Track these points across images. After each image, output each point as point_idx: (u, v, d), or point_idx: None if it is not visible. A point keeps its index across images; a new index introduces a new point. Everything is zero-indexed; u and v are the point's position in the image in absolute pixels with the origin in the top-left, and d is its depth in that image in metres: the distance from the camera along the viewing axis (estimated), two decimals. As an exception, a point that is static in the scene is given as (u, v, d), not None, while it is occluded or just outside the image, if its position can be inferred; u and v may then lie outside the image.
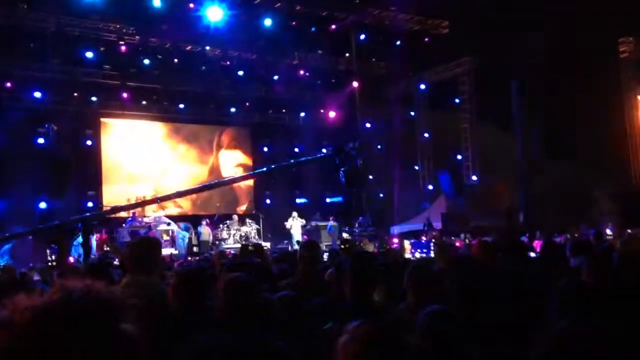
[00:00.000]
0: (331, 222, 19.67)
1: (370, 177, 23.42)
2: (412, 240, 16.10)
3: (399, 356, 1.53)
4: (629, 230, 12.24)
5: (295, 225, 19.39)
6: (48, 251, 14.42)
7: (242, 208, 23.08)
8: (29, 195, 18.11)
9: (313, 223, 19.85)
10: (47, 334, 0.88)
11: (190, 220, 19.82)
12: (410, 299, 3.69)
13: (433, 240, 14.69)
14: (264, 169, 7.09)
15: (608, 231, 14.63)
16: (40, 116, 18.87)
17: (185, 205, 22.21)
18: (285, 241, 19.20)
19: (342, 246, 13.27)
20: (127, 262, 3.48)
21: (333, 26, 18.98)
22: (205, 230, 18.64)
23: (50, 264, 13.20)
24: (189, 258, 14.68)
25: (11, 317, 0.91)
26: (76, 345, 0.88)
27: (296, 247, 17.68)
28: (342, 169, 5.58)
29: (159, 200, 7.51)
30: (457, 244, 13.77)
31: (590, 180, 18.71)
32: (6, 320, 0.91)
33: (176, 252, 17.25)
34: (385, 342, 1.52)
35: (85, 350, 0.89)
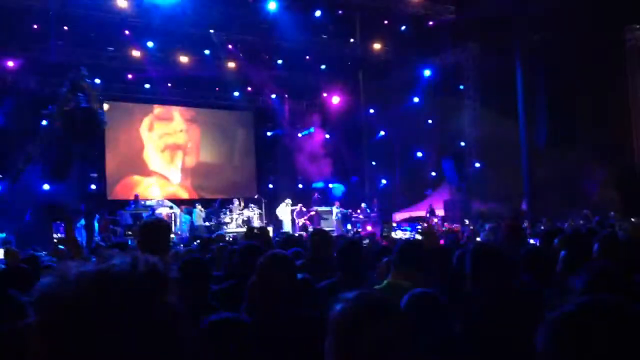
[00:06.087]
0: (336, 208, 19.48)
1: (373, 163, 23.41)
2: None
3: (398, 323, 1.47)
4: (632, 219, 12.23)
5: (283, 211, 19.33)
6: (53, 228, 14.39)
7: (245, 192, 23.08)
8: (33, 177, 18.12)
9: (315, 208, 19.79)
10: (93, 306, 0.84)
11: (192, 205, 19.86)
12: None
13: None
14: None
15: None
16: (43, 98, 18.80)
17: (187, 189, 22.26)
18: (288, 226, 19.24)
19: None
20: (138, 244, 3.55)
21: (339, 11, 18.84)
22: (199, 215, 18.66)
23: (55, 241, 13.17)
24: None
25: (55, 289, 0.86)
26: (121, 317, 0.84)
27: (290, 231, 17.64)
28: (66, 108, 4.97)
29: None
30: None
31: (593, 167, 18.71)
32: (48, 291, 0.86)
33: (179, 234, 17.31)
34: (386, 309, 1.49)
35: (130, 323, 0.84)
